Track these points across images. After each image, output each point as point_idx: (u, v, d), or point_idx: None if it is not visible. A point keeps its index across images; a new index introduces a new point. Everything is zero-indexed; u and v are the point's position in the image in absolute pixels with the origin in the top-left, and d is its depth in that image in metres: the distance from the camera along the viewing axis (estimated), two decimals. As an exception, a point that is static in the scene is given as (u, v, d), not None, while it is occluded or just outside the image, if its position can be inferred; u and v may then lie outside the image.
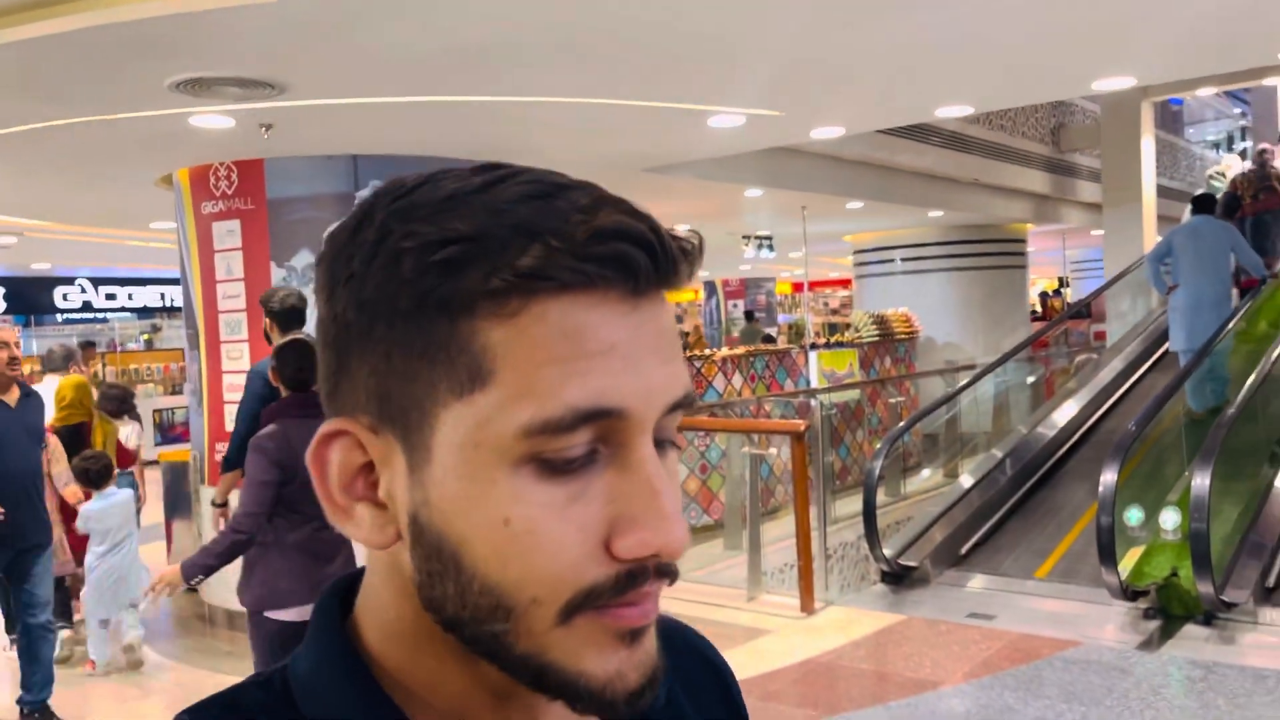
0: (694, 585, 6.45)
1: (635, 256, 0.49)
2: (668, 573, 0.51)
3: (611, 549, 0.49)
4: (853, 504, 7.64)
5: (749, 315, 20.26)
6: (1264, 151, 10.22)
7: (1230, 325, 7.88)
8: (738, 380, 8.39)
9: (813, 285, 23.77)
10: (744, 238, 11.90)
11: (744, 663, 5.01)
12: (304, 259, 5.59)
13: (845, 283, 23.21)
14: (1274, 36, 4.15)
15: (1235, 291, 8.42)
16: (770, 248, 12.06)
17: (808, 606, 5.74)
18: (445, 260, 0.48)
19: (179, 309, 13.24)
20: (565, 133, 5.28)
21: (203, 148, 5.35)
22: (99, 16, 3.30)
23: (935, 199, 10.49)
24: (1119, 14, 3.86)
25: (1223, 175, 10.60)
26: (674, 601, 6.10)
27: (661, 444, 0.52)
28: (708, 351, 9.36)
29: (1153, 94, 11.27)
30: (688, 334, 19.57)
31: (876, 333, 10.60)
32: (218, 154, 5.55)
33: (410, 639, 0.54)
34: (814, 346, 9.86)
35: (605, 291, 0.49)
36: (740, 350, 9.47)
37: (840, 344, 10.18)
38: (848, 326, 12.51)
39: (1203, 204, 8.32)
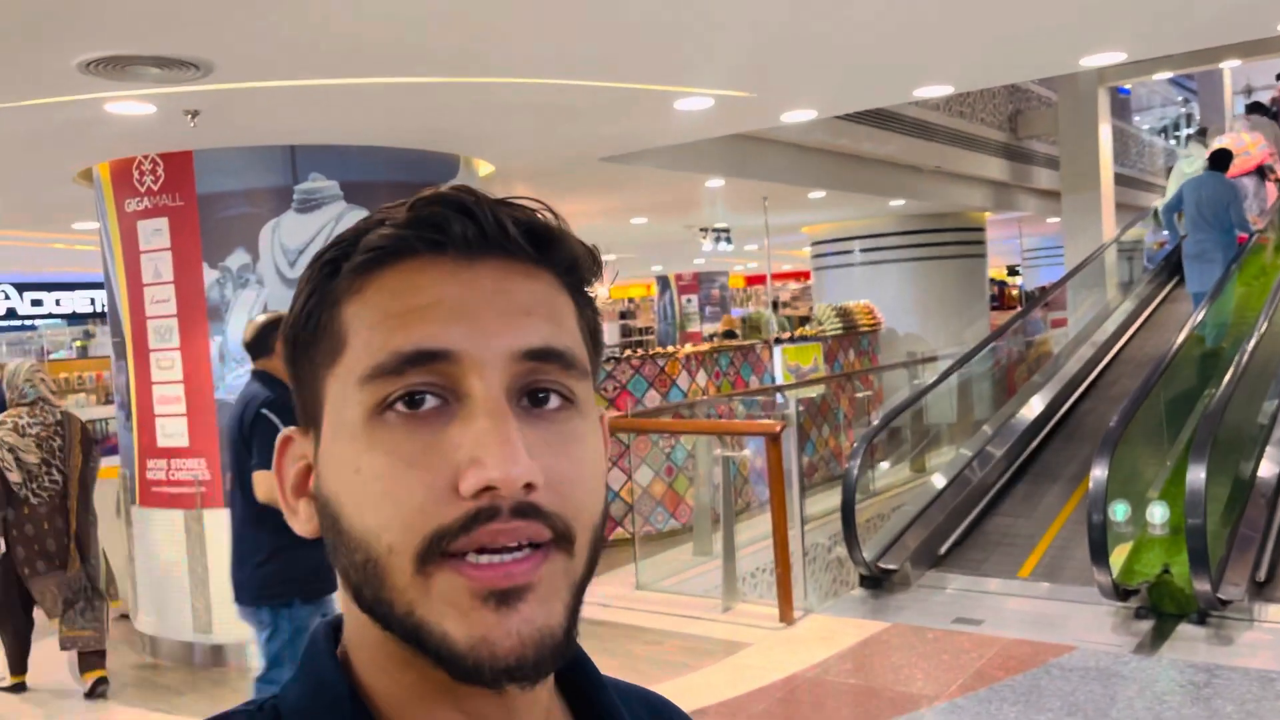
0: (665, 595, 6.15)
1: (450, 218, 0.54)
2: (526, 513, 0.51)
3: (459, 490, 0.51)
4: (821, 502, 7.39)
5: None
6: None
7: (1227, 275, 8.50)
8: (702, 378, 8.09)
9: (779, 278, 23.62)
10: (701, 230, 11.61)
11: (725, 680, 4.70)
12: (239, 259, 5.15)
13: (801, 275, 23.08)
14: (1274, 7, 3.92)
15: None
16: (728, 240, 11.79)
17: (787, 616, 5.45)
18: (326, 262, 0.57)
19: (111, 314, 12.61)
20: (520, 118, 4.91)
21: (124, 139, 4.90)
22: (-11, -16, 2.88)
23: (897, 187, 10.28)
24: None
25: (1192, 161, 10.59)
26: (647, 614, 5.79)
27: (540, 395, 0.54)
28: (670, 349, 9.04)
29: (1108, 79, 11.19)
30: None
31: (840, 325, 10.36)
32: (141, 146, 5.09)
33: (368, 653, 0.57)
34: (779, 341, 9.58)
35: (434, 257, 0.55)
36: (704, 347, 9.18)
37: (805, 338, 9.92)
38: (805, 319, 12.29)
39: (1215, 160, 8.94)
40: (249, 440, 3.37)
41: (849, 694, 4.55)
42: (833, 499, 6.72)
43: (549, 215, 0.57)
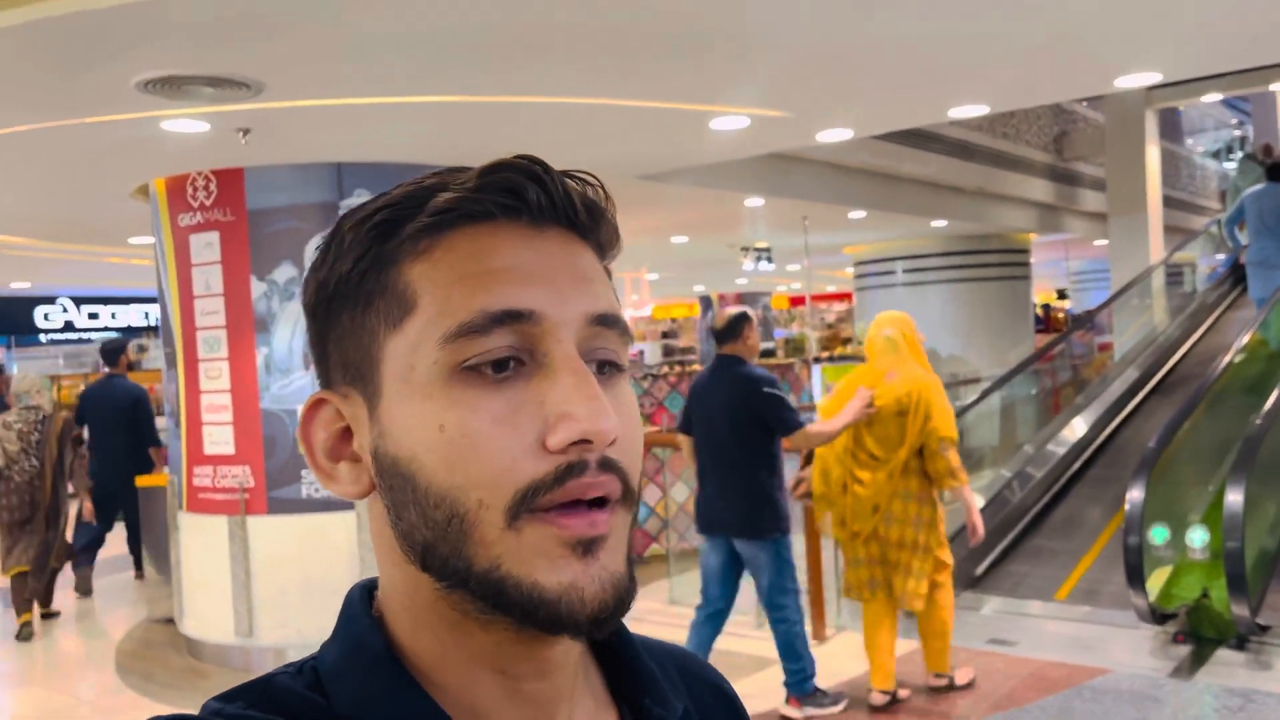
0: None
1: (522, 183, 0.56)
2: (611, 467, 0.54)
3: (547, 445, 0.52)
4: (860, 523, 7.37)
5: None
6: None
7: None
8: (739, 396, 8.12)
9: (817, 300, 23.56)
10: (742, 249, 11.65)
11: (754, 694, 4.72)
12: (286, 272, 5.31)
13: (843, 296, 22.99)
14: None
15: None
16: (769, 260, 11.81)
17: (820, 634, 5.45)
18: (376, 224, 0.57)
19: (165, 328, 12.94)
20: (558, 136, 5.02)
21: (179, 156, 5.08)
22: (55, 7, 3.03)
23: (938, 208, 10.25)
24: (1144, 5, 3.62)
25: (1246, 175, 10.64)
26: (679, 629, 5.82)
27: (601, 365, 0.56)
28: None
29: (1157, 101, 11.08)
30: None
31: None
32: (195, 162, 5.28)
33: (411, 616, 0.57)
34: (817, 360, 9.58)
35: (506, 223, 0.56)
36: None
37: (844, 358, 9.90)
38: (848, 340, 12.25)
39: (1274, 171, 9.23)
40: (758, 412, 4.15)
41: (877, 712, 4.54)
42: (868, 518, 6.70)
43: (601, 193, 0.60)
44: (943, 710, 4.52)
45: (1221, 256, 11.70)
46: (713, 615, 4.57)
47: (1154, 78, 4.57)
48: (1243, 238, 9.32)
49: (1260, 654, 4.88)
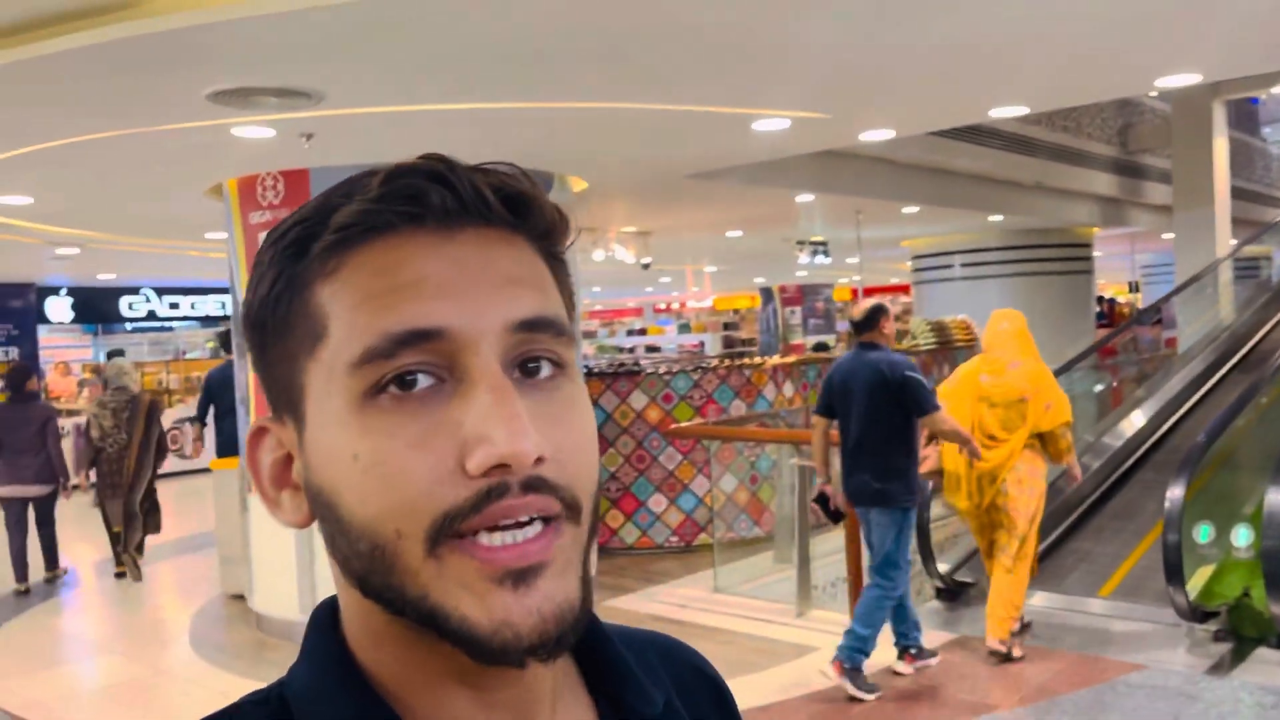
0: (742, 599, 6.33)
1: (423, 187, 0.52)
2: (536, 486, 0.50)
3: (466, 468, 0.49)
4: (907, 516, 7.44)
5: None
6: None
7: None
8: (789, 389, 8.23)
9: (869, 291, 23.42)
10: (798, 243, 11.71)
11: (791, 681, 4.86)
12: (347, 268, 5.58)
13: (902, 289, 22.82)
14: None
15: None
16: (825, 253, 11.85)
17: (857, 622, 5.56)
18: (289, 243, 0.54)
19: (239, 318, 13.55)
20: (605, 139, 5.20)
21: (248, 158, 5.39)
22: (132, 29, 3.30)
23: (995, 203, 10.20)
24: (1184, 5, 3.66)
25: None
26: (722, 616, 5.99)
27: (531, 366, 0.53)
28: (757, 360, 9.19)
29: (1224, 92, 10.85)
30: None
31: (934, 340, 10.34)
32: (264, 164, 5.58)
33: (371, 636, 0.55)
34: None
35: (413, 231, 0.52)
36: (791, 358, 9.30)
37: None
38: (906, 334, 12.24)
39: None
40: (899, 393, 4.52)
41: (911, 699, 4.65)
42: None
43: (523, 180, 0.56)
44: (977, 699, 4.61)
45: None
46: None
47: (1194, 79, 4.58)
48: None
49: (1300, 654, 4.87)
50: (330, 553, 0.55)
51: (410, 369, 0.50)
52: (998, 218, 10.89)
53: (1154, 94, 12.74)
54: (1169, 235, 12.93)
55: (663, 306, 30.41)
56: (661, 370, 7.97)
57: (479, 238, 0.53)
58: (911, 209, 9.51)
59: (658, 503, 7.68)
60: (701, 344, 21.58)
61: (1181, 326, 10.68)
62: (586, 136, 5.11)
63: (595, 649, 0.62)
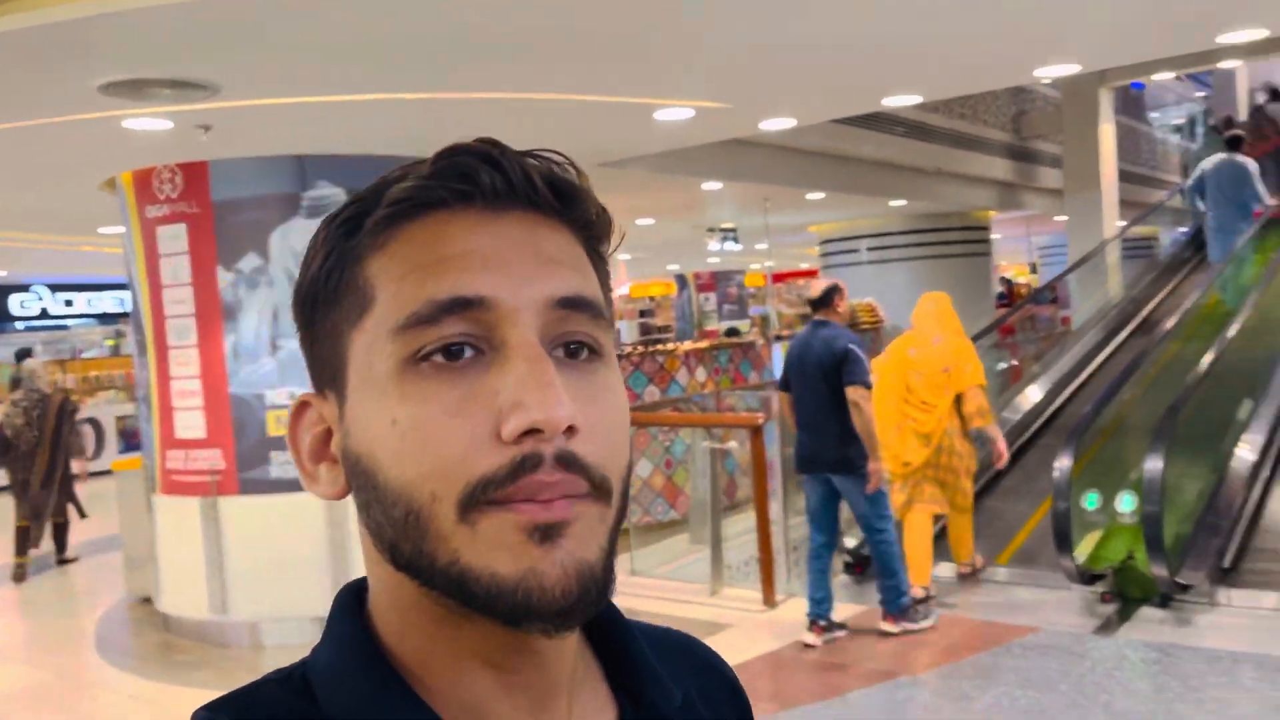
0: (657, 581, 6.44)
1: (475, 166, 0.54)
2: (571, 463, 0.51)
3: (501, 435, 0.50)
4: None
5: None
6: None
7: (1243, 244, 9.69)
8: (701, 374, 8.37)
9: (781, 276, 23.81)
10: (709, 230, 11.87)
11: (704, 658, 4.98)
12: (251, 262, 5.50)
13: (810, 274, 23.24)
14: (1214, 19, 4.15)
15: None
16: (735, 240, 12.04)
17: (769, 599, 5.73)
18: (343, 221, 0.56)
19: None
20: (510, 129, 5.21)
21: (144, 150, 5.26)
22: (18, 21, 3.21)
23: (897, 188, 10.50)
24: (1056, 3, 3.85)
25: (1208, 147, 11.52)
26: (638, 598, 6.08)
27: (574, 349, 0.54)
28: (670, 346, 9.32)
29: (1111, 79, 11.31)
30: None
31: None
32: (160, 156, 5.45)
33: (399, 614, 0.56)
34: (779, 339, 9.84)
35: (463, 208, 0.54)
36: (703, 344, 9.46)
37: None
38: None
39: (1230, 143, 10.36)
40: (841, 366, 4.88)
41: (820, 669, 4.82)
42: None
43: (571, 170, 0.58)
44: (884, 667, 4.79)
45: (1183, 229, 12.08)
46: (823, 547, 5.21)
47: (1074, 69, 4.81)
48: (1203, 206, 10.08)
49: (1181, 612, 5.18)
50: (364, 523, 0.56)
51: (454, 340, 0.52)
52: (900, 203, 11.21)
53: (1046, 82, 13.22)
54: (1062, 217, 13.46)
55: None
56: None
57: (525, 220, 0.55)
58: (817, 195, 9.73)
59: (574, 489, 7.74)
60: (618, 332, 21.67)
61: (1075, 304, 11.15)
62: (490, 126, 5.10)
63: (616, 642, 0.63)
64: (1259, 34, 4.53)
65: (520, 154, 0.56)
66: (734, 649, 5.03)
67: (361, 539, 0.58)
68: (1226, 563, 5.61)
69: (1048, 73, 4.79)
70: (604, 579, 0.53)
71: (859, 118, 8.81)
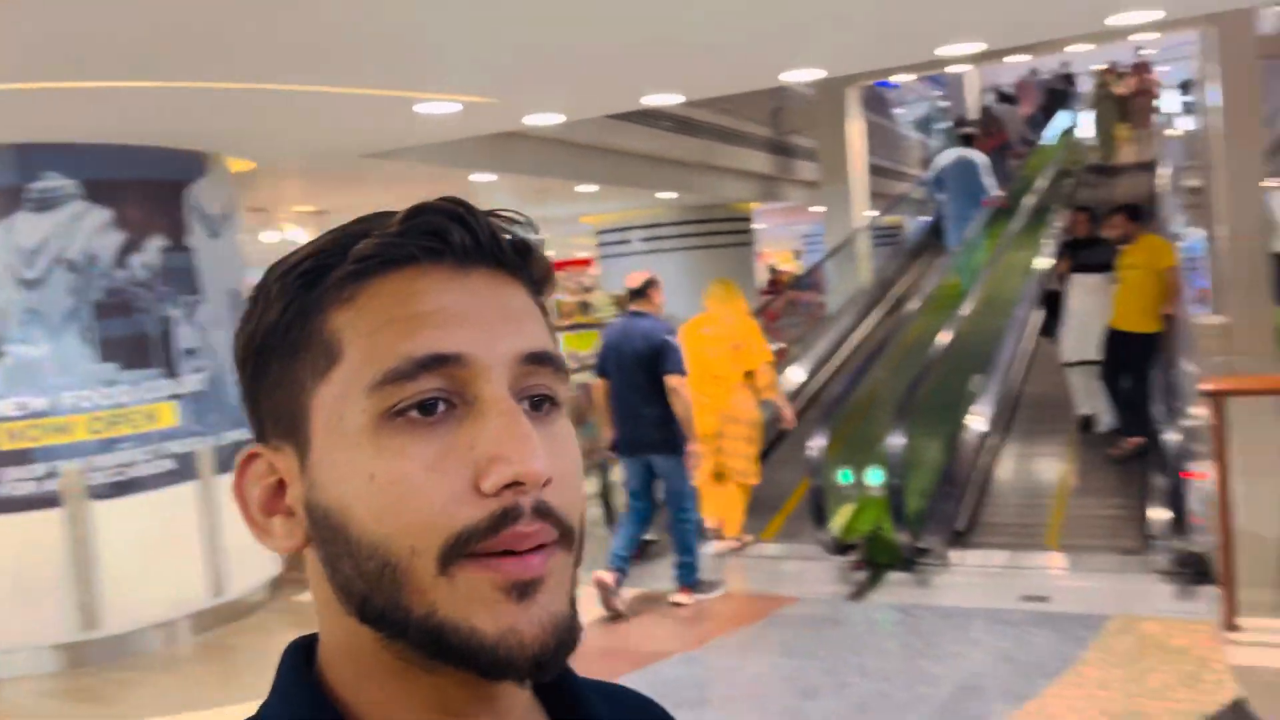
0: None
1: (446, 225, 0.55)
2: (548, 515, 0.53)
3: (480, 488, 0.52)
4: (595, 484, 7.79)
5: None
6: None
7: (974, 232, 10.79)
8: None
9: (559, 266, 23.95)
10: (483, 222, 11.77)
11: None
12: (-34, 261, 4.99)
13: (585, 263, 23.55)
14: (932, 35, 4.55)
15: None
16: (510, 231, 12.00)
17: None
18: (302, 273, 0.56)
19: None
20: (266, 119, 5.00)
21: None
22: None
23: (665, 181, 10.81)
24: (799, 14, 4.10)
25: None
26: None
27: (538, 401, 0.56)
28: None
29: (858, 80, 12.10)
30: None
31: (616, 312, 10.83)
32: None
33: (355, 666, 0.56)
34: (559, 329, 9.93)
35: (432, 266, 0.55)
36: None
37: (582, 325, 10.32)
38: (590, 306, 12.72)
39: (963, 140, 11.63)
40: (659, 356, 5.23)
41: (588, 656, 4.93)
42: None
43: (528, 229, 0.60)
44: (653, 649, 4.97)
45: (925, 218, 13.11)
46: (641, 513, 5.60)
47: (819, 73, 5.13)
48: (942, 196, 11.05)
49: (922, 575, 5.67)
50: (329, 577, 0.55)
51: (430, 395, 0.53)
52: (669, 195, 11.54)
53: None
54: (819, 208, 14.29)
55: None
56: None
57: (489, 277, 0.57)
58: (589, 188, 9.86)
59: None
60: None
61: (831, 290, 11.89)
62: (245, 116, 4.88)
63: (567, 696, 0.64)
64: (977, 47, 5.01)
65: (485, 213, 0.58)
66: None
67: (316, 592, 0.57)
68: (961, 526, 6.19)
69: (795, 76, 5.09)
70: (575, 626, 0.55)
71: (628, 112, 9.01)
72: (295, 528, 0.57)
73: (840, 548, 5.81)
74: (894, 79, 15.13)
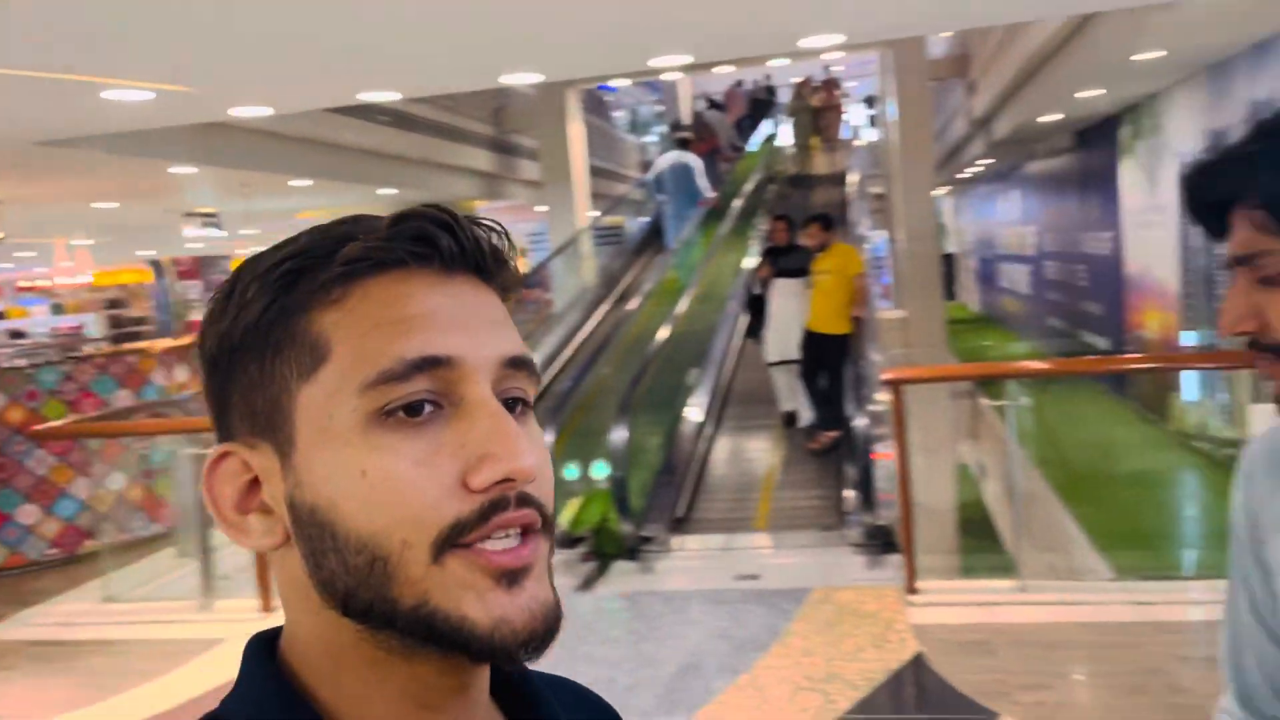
0: (138, 604, 5.88)
1: (434, 231, 0.57)
2: (531, 503, 0.56)
3: (469, 484, 0.54)
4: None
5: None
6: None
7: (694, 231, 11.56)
8: (182, 373, 7.74)
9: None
10: (185, 215, 10.97)
11: (197, 680, 4.68)
12: None
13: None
14: (643, 48, 4.76)
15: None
16: (218, 225, 11.26)
17: (267, 605, 5.51)
18: (283, 274, 0.56)
19: None
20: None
21: None
22: None
23: (384, 176, 10.56)
24: (516, 20, 4.15)
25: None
26: (116, 626, 5.52)
27: (512, 402, 0.58)
28: (142, 345, 8.50)
29: (579, 83, 12.36)
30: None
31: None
32: None
33: (331, 659, 0.57)
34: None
35: (418, 269, 0.56)
36: (184, 340, 8.75)
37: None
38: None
39: (680, 143, 12.18)
40: None
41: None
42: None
43: (505, 238, 0.62)
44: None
45: (645, 218, 13.61)
46: None
47: (537, 78, 5.21)
48: (662, 197, 11.63)
49: (646, 562, 5.91)
50: (311, 573, 0.56)
51: (419, 396, 0.55)
52: (390, 191, 11.28)
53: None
54: (542, 208, 14.48)
55: (26, 285, 26.26)
56: (22, 364, 7.01)
57: (470, 282, 0.59)
58: (301, 182, 9.44)
59: (28, 514, 6.80)
60: (81, 326, 19.20)
61: (557, 288, 12.08)
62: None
63: (519, 687, 0.66)
64: (685, 59, 5.29)
65: (468, 219, 0.60)
66: (228, 666, 4.78)
67: (289, 588, 0.58)
68: (680, 513, 6.52)
69: (514, 79, 5.14)
70: (559, 609, 0.58)
71: (345, 106, 8.71)
72: (274, 525, 0.57)
73: (569, 541, 5.94)
74: (613, 83, 15.59)
